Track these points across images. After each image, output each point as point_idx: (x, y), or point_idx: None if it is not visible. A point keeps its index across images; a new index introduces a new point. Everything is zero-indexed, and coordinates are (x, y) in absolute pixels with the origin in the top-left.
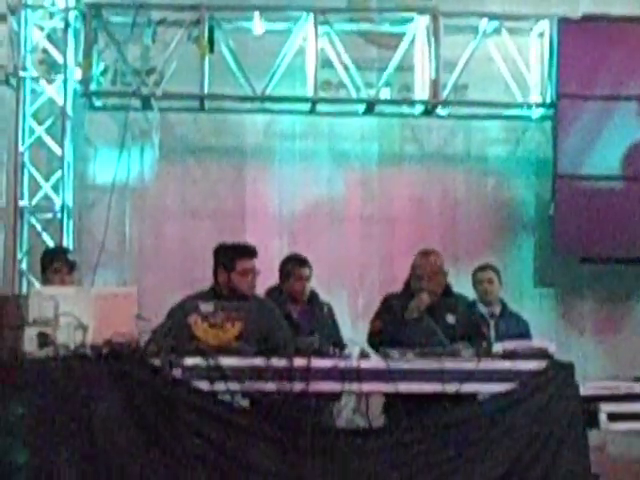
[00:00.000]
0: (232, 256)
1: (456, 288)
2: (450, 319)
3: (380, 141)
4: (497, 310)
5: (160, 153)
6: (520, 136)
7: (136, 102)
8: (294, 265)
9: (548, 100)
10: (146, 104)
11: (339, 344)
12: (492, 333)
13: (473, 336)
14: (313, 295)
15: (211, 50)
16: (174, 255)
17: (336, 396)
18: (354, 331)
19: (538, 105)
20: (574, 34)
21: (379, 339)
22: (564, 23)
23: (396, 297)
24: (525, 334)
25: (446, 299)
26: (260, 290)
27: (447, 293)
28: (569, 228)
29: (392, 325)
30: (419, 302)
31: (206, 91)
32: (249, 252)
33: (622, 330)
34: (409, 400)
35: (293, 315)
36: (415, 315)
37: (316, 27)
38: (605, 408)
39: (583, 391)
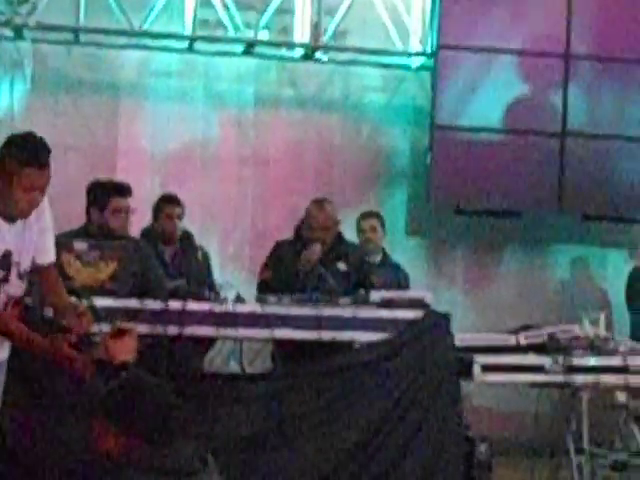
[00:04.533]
0: (105, 194)
1: None
2: (342, 266)
3: (257, 83)
4: (377, 259)
5: (31, 85)
6: (398, 85)
7: (8, 32)
8: (164, 204)
9: (428, 50)
10: (18, 34)
11: (212, 289)
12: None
13: (362, 284)
14: (187, 237)
15: None
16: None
17: (210, 341)
18: (223, 273)
19: (418, 54)
20: None
21: (270, 289)
22: None
23: (287, 245)
24: (404, 285)
25: (338, 247)
26: (132, 230)
27: (339, 241)
28: (445, 179)
29: (284, 275)
30: (311, 254)
31: (81, 24)
32: (123, 190)
33: (491, 282)
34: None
35: (165, 257)
36: (307, 268)
37: None
38: (479, 359)
39: (458, 342)
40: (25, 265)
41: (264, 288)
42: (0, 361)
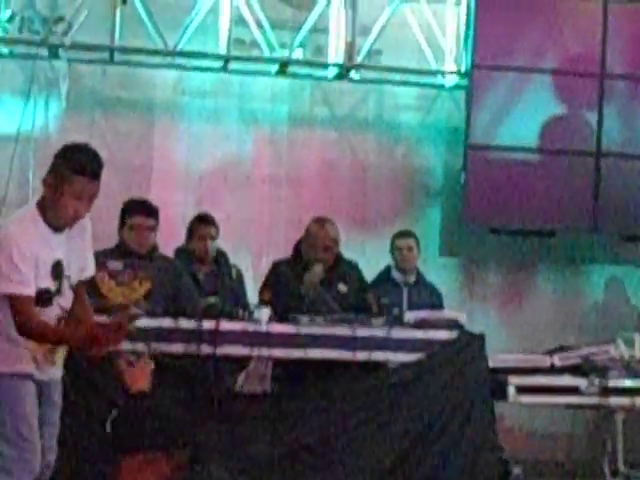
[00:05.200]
0: (125, 211)
1: (362, 253)
2: (342, 288)
3: (291, 102)
4: (412, 278)
5: (67, 104)
6: (432, 104)
7: (43, 51)
8: (198, 224)
9: (462, 69)
10: (54, 54)
11: (246, 308)
12: (405, 301)
13: (361, 305)
14: (222, 256)
15: (124, 1)
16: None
17: (244, 360)
18: (257, 293)
19: (452, 73)
20: (491, 4)
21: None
22: None
23: (285, 264)
24: (438, 305)
25: (338, 267)
26: (167, 249)
27: (338, 261)
28: (479, 198)
29: (284, 296)
30: (313, 276)
31: (116, 43)
32: (143, 208)
33: (526, 302)
34: (314, 366)
35: (198, 276)
36: (311, 291)
37: None
38: (514, 381)
39: (492, 363)
40: (74, 277)
41: None
42: (56, 380)
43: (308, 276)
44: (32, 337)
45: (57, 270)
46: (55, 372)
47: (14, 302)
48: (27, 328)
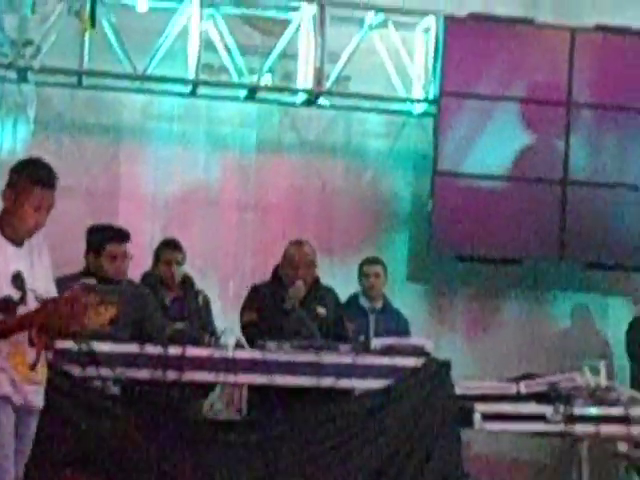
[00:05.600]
0: (102, 239)
1: (330, 279)
2: (321, 311)
3: (259, 128)
4: (379, 305)
5: (34, 127)
6: (400, 131)
7: (12, 74)
8: (163, 249)
9: (431, 96)
10: (22, 77)
11: (212, 334)
12: (372, 328)
13: (338, 330)
14: (188, 282)
15: (92, 25)
16: (43, 233)
17: (210, 387)
18: (224, 319)
19: (420, 101)
20: (460, 32)
21: (254, 331)
22: (450, 20)
23: (265, 287)
24: (404, 331)
25: (316, 291)
26: (134, 274)
27: (316, 284)
28: (446, 225)
29: (268, 316)
30: (296, 291)
31: (85, 67)
32: (120, 236)
33: (492, 329)
34: (282, 393)
35: (165, 301)
36: (294, 304)
37: (201, 8)
38: (480, 408)
39: (458, 390)
40: (41, 291)
41: (251, 329)
42: (35, 408)
43: (292, 291)
44: None
45: (17, 281)
46: (35, 396)
47: None
48: None
